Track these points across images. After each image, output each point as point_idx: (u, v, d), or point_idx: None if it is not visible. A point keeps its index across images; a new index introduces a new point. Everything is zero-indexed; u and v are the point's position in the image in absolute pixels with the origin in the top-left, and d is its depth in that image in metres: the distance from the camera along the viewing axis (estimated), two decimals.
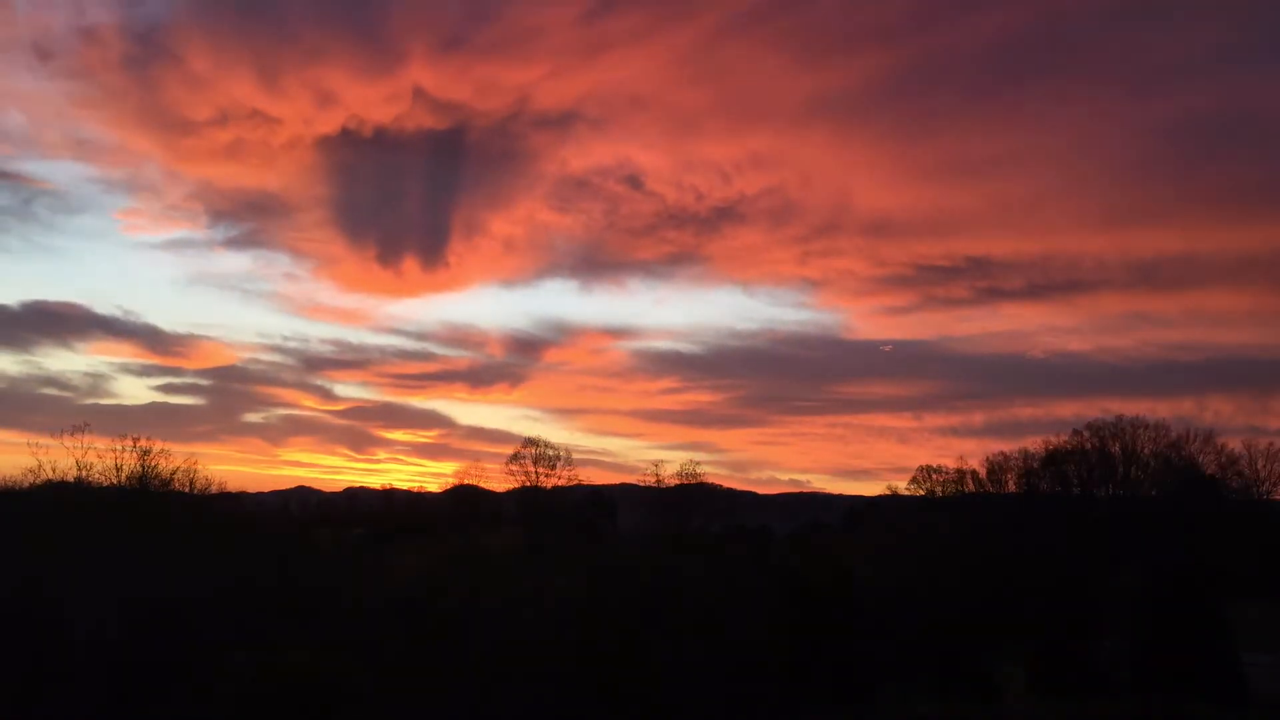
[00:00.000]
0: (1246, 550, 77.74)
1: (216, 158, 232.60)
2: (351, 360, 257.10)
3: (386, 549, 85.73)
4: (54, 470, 46.17)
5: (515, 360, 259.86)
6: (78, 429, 46.57)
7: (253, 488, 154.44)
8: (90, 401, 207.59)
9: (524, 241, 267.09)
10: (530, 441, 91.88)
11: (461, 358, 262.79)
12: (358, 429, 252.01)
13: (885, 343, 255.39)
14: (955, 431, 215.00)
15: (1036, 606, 50.57)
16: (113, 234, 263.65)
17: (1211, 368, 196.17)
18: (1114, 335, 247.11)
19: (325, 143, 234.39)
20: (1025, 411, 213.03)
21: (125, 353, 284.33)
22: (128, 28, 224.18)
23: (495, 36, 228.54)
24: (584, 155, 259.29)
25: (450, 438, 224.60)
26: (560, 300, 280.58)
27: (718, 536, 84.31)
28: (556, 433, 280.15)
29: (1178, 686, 44.66)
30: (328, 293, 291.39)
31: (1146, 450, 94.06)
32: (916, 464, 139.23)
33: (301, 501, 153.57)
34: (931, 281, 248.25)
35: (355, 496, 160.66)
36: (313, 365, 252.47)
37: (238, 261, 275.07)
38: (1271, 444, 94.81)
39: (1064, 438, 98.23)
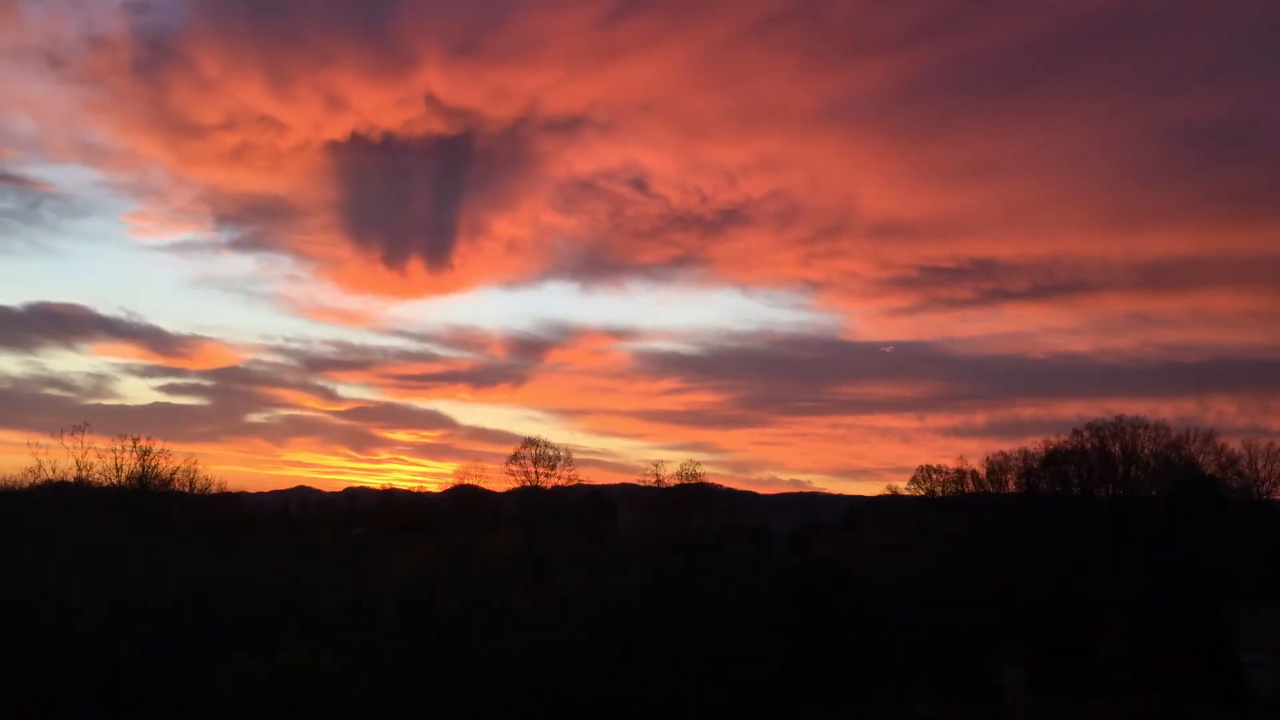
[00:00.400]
0: (1246, 550, 77.72)
1: (223, 161, 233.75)
2: (354, 361, 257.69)
3: (386, 549, 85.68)
4: (54, 470, 46.22)
5: (518, 361, 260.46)
6: (78, 429, 46.61)
7: (253, 488, 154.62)
8: (93, 402, 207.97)
9: (528, 243, 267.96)
10: (530, 441, 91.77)
11: (464, 359, 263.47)
12: (360, 429, 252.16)
13: (887, 344, 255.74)
14: (957, 432, 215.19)
15: (1036, 606, 50.58)
16: (118, 236, 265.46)
17: (1214, 369, 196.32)
18: (1117, 336, 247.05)
19: (333, 147, 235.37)
20: (1027, 412, 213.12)
21: (128, 354, 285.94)
22: (138, 33, 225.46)
23: (507, 42, 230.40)
24: (590, 158, 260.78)
25: (452, 438, 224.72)
26: (563, 301, 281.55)
27: (718, 536, 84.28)
28: (559, 433, 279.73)
29: (1178, 686, 44.65)
30: (332, 294, 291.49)
31: (1146, 450, 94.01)
32: (918, 464, 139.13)
33: (301, 502, 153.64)
34: (935, 283, 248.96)
35: (355, 496, 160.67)
36: (315, 366, 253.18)
37: (241, 263, 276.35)
38: (1271, 444, 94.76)
39: (1064, 438, 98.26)
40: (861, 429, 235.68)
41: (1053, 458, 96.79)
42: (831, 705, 46.87)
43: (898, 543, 75.26)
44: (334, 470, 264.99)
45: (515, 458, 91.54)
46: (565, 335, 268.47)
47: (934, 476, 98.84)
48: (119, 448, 48.93)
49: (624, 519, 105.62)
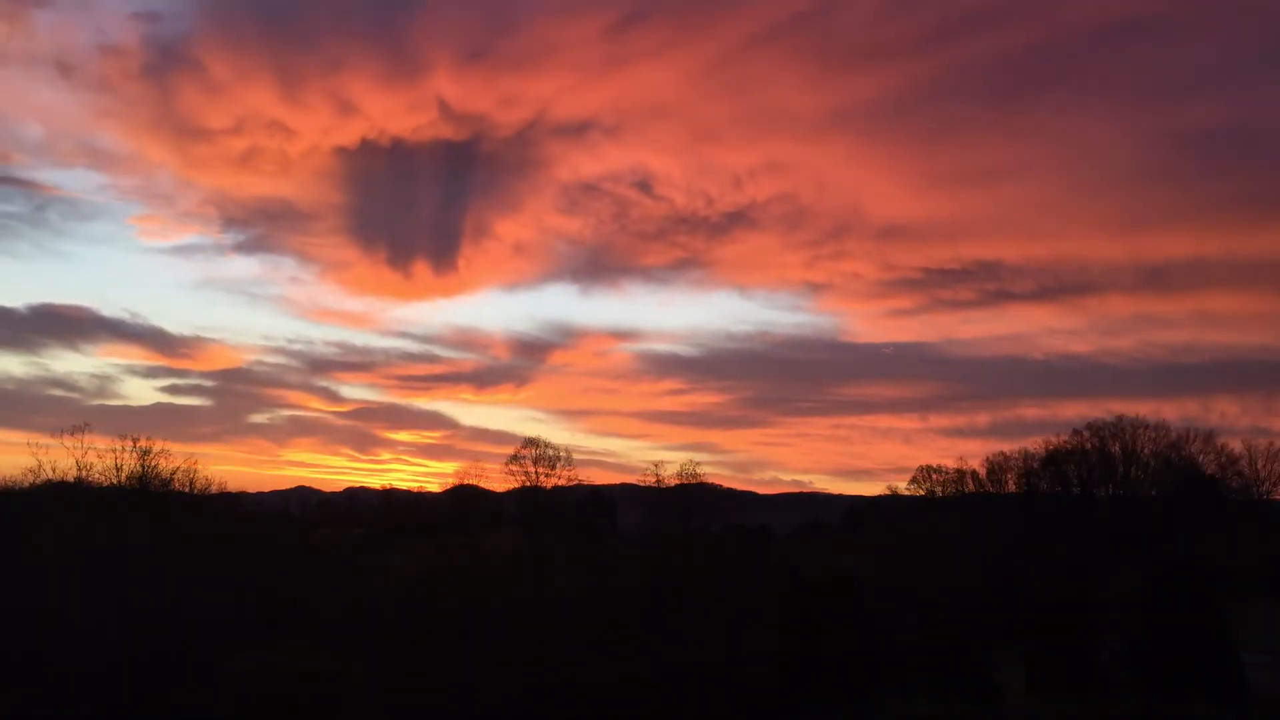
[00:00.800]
0: (1246, 550, 77.69)
1: (231, 165, 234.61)
2: (357, 362, 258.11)
3: (386, 549, 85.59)
4: (54, 470, 46.19)
5: (520, 362, 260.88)
6: (78, 429, 46.57)
7: (253, 488, 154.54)
8: (97, 403, 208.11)
9: (533, 245, 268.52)
10: (530, 442, 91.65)
11: (467, 360, 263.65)
12: (362, 430, 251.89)
13: (887, 345, 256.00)
14: (960, 433, 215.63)
15: (1036, 606, 50.53)
16: (123, 239, 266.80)
17: (1217, 370, 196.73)
18: (1119, 337, 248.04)
19: (342, 151, 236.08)
20: (1030, 413, 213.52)
21: (132, 355, 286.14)
22: (148, 40, 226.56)
23: (518, 49, 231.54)
24: (598, 161, 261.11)
25: (455, 439, 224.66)
26: (566, 303, 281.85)
27: (718, 536, 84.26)
28: (561, 434, 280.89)
29: (1178, 686, 44.62)
30: (336, 296, 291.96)
31: (1146, 450, 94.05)
32: (919, 465, 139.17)
33: (301, 502, 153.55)
34: (938, 284, 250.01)
35: (355, 496, 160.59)
36: (318, 367, 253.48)
37: (246, 265, 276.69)
38: (1271, 444, 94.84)
39: (1064, 438, 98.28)
40: (863, 429, 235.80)
41: (1053, 458, 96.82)
42: (831, 705, 46.84)
43: (898, 543, 75.23)
44: (335, 470, 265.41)
45: (515, 458, 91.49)
46: (568, 336, 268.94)
47: (934, 476, 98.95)
48: (119, 448, 48.90)
49: (624, 519, 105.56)
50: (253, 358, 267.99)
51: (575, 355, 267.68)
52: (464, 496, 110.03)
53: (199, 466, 55.13)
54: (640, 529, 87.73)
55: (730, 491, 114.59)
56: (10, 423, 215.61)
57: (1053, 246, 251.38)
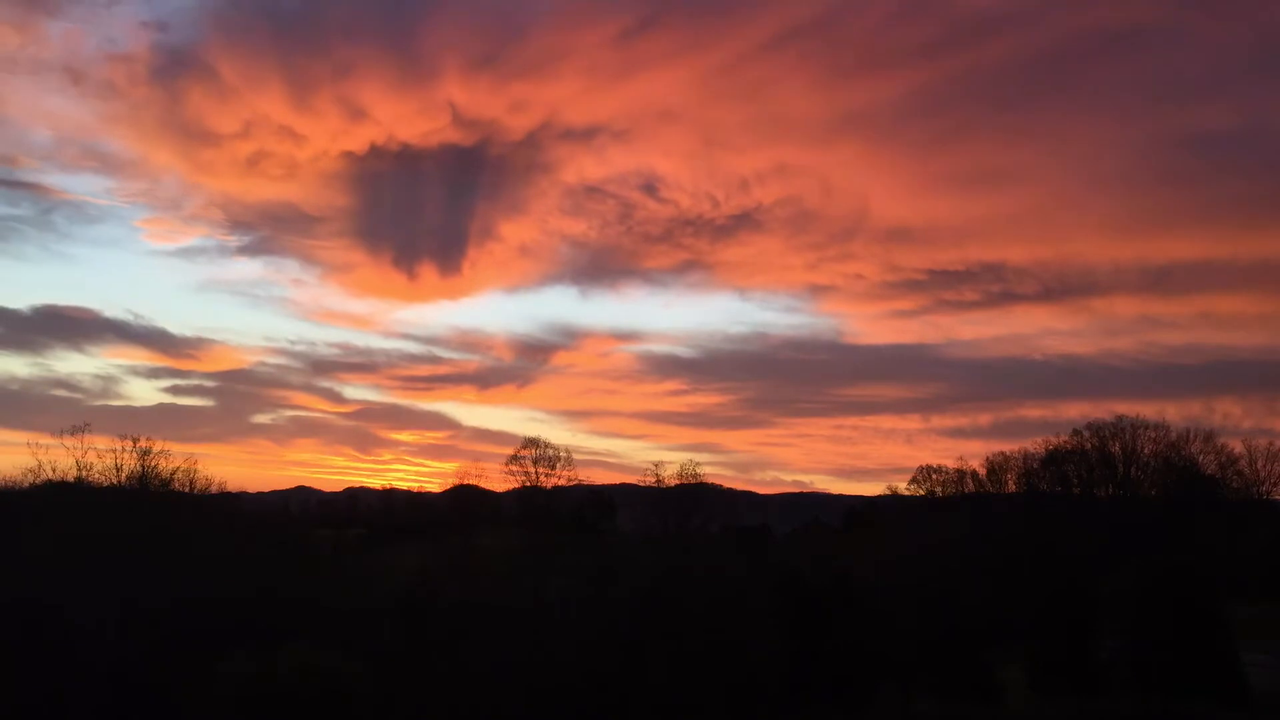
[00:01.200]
0: (1246, 550, 77.66)
1: (237, 169, 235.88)
2: (361, 364, 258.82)
3: (385, 549, 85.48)
4: (54, 470, 46.12)
5: (523, 363, 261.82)
6: (78, 429, 46.49)
7: (253, 488, 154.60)
8: (100, 403, 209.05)
9: (538, 247, 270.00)
10: (530, 442, 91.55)
11: (470, 361, 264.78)
12: (364, 430, 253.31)
13: (893, 346, 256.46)
14: (962, 433, 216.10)
15: (1037, 606, 50.49)
16: (128, 242, 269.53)
17: (1220, 371, 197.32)
18: (1122, 338, 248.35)
19: (350, 155, 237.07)
20: (1033, 413, 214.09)
21: (135, 355, 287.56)
22: (158, 46, 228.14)
23: (529, 55, 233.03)
24: (604, 164, 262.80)
25: (457, 439, 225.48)
26: (569, 304, 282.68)
27: (717, 536, 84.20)
28: (563, 434, 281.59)
29: (1178, 686, 44.60)
30: (341, 298, 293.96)
31: (1147, 450, 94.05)
32: (920, 465, 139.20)
33: (301, 501, 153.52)
34: (942, 285, 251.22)
35: (355, 496, 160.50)
36: (322, 368, 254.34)
37: (250, 268, 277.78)
38: (1271, 444, 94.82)
39: (1064, 438, 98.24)
40: (865, 430, 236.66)
41: (1053, 458, 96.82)
42: (832, 705, 46.84)
43: (897, 543, 75.15)
44: (336, 470, 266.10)
45: (515, 458, 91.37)
46: (571, 337, 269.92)
47: (934, 477, 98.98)
48: (119, 448, 48.83)
49: (624, 519, 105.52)
50: (256, 359, 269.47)
51: (578, 356, 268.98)
52: (464, 496, 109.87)
53: (199, 466, 55.18)
54: (640, 529, 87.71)
55: (730, 491, 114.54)
56: (13, 423, 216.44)
57: (1058, 248, 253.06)
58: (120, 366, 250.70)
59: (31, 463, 46.19)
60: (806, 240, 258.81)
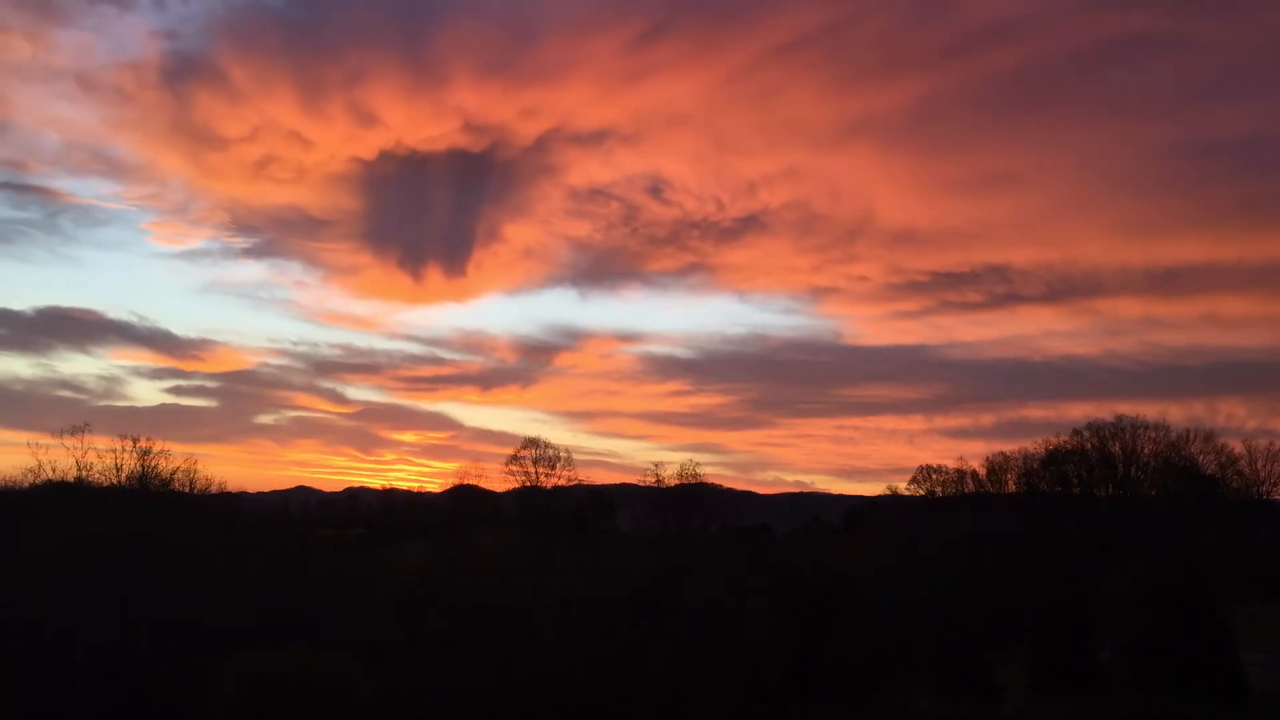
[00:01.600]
0: (1246, 550, 77.69)
1: (244, 173, 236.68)
2: (364, 364, 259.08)
3: (385, 549, 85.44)
4: (54, 470, 46.03)
5: (526, 364, 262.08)
6: (78, 429, 46.39)
7: (253, 488, 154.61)
8: (103, 404, 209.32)
9: (543, 249, 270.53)
10: (530, 442, 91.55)
11: (473, 362, 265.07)
12: (366, 430, 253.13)
13: (895, 347, 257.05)
14: (964, 434, 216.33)
15: (1037, 606, 50.50)
16: (134, 244, 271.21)
17: (1224, 372, 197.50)
18: (1126, 340, 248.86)
19: (357, 159, 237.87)
20: (1035, 414, 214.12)
21: (139, 356, 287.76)
22: (168, 54, 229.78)
23: (540, 62, 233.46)
24: (611, 167, 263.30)
25: (459, 440, 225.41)
26: (572, 306, 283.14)
27: (718, 537, 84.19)
28: (565, 435, 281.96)
29: (1178, 686, 44.63)
30: (345, 300, 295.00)
31: (1147, 450, 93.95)
32: (920, 465, 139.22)
33: (301, 501, 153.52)
34: (946, 287, 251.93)
35: (355, 496, 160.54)
36: (325, 369, 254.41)
37: (255, 270, 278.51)
38: (1271, 444, 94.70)
39: (1064, 438, 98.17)
40: (867, 431, 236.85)
41: (1053, 458, 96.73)
42: (832, 705, 46.81)
43: (897, 542, 75.13)
44: (337, 470, 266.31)
45: (515, 458, 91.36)
46: (573, 339, 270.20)
47: (934, 477, 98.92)
48: (119, 448, 48.72)
49: (624, 519, 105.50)
50: (259, 360, 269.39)
51: (580, 357, 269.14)
52: (464, 496, 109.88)
53: (199, 466, 55.04)
54: (640, 529, 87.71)
55: (731, 492, 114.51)
56: (16, 423, 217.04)
57: (1063, 251, 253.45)
58: (123, 367, 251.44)
59: (31, 463, 46.14)
60: (812, 243, 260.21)
